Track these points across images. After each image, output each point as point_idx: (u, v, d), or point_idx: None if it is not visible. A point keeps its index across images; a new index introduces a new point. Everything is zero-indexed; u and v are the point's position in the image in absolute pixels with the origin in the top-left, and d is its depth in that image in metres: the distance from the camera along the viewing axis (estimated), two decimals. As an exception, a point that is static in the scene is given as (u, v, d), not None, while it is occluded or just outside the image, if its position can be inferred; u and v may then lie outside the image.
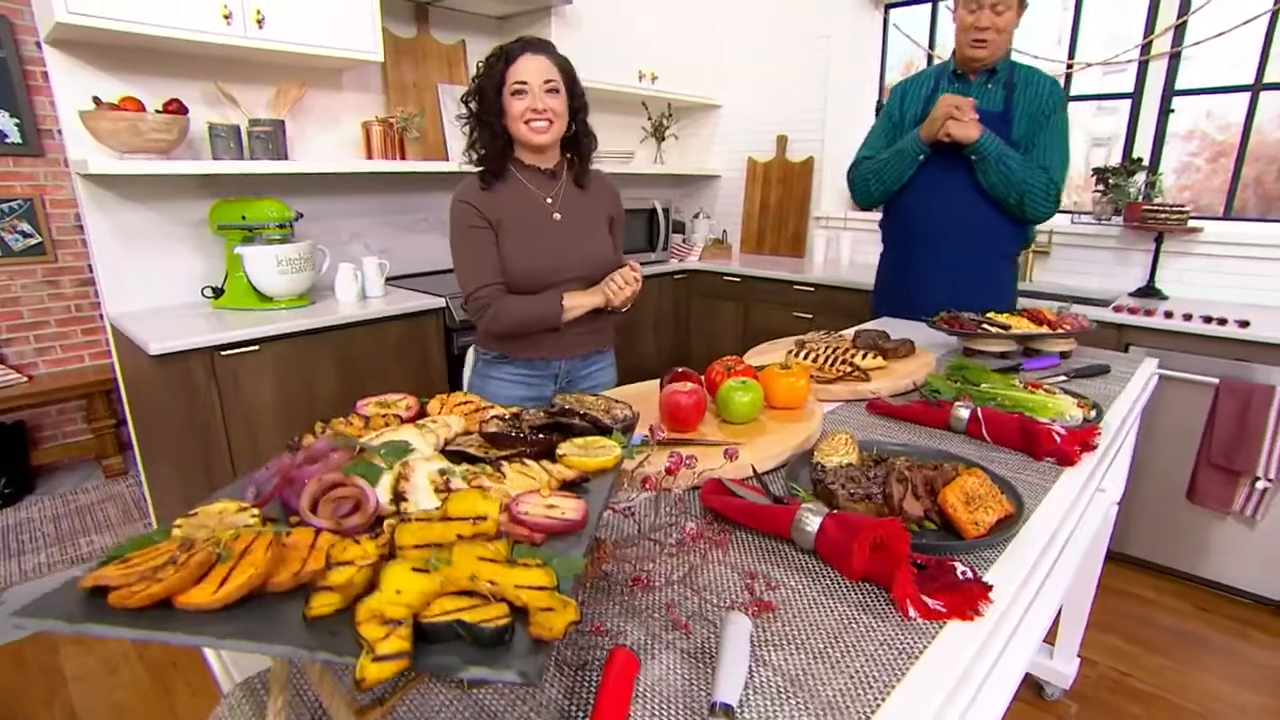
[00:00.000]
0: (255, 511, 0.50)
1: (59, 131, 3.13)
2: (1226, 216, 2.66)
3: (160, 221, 2.30)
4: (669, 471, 0.70)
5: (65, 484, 3.15)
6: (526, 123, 1.45)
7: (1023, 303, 2.44)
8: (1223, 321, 2.09)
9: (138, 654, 1.98)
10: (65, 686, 1.89)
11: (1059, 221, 2.91)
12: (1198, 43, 2.60)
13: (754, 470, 0.85)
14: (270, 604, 0.44)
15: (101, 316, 3.31)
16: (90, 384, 3.11)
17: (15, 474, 3.02)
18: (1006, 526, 0.79)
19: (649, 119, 3.72)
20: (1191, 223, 2.51)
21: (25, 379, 3.08)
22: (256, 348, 2.03)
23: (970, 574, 0.69)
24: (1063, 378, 1.37)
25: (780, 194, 3.64)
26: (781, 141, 3.61)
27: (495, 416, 0.66)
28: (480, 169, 1.51)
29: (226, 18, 2.05)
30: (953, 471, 0.86)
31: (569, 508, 0.53)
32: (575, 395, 0.74)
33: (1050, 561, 0.82)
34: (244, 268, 2.22)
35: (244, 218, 2.24)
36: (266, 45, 2.14)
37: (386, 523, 0.48)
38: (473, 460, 0.61)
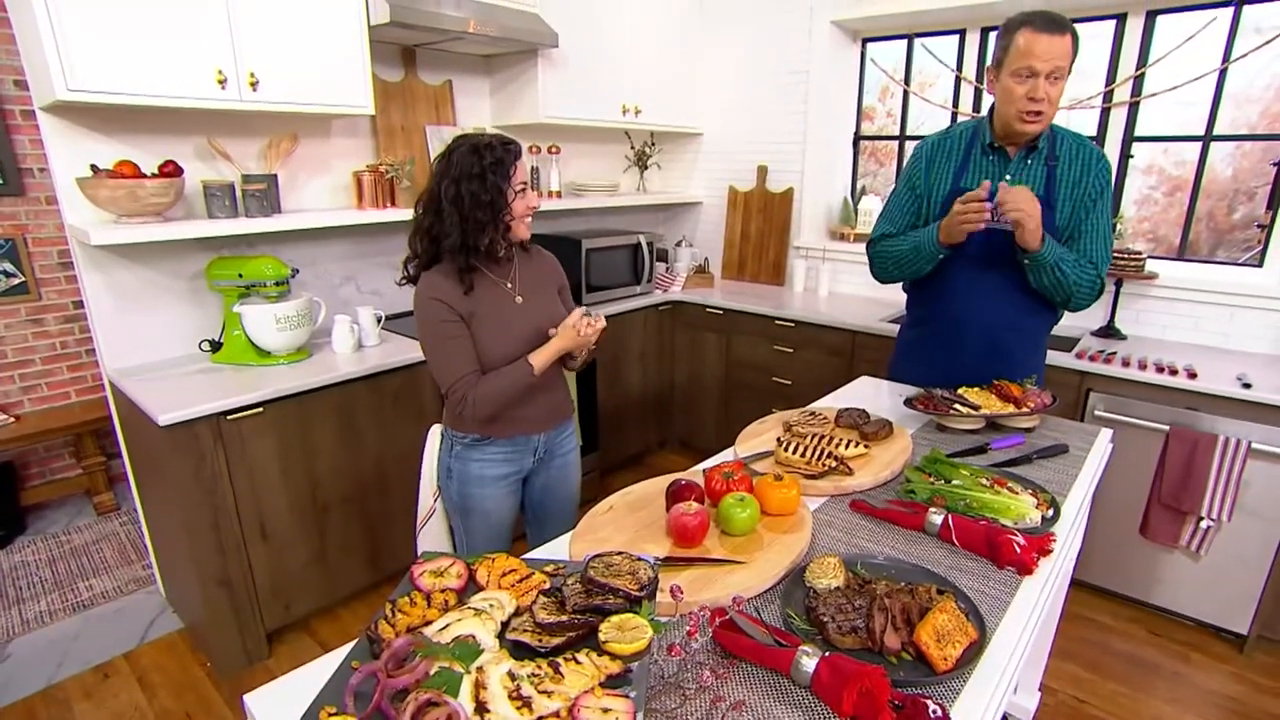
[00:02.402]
0: (364, 730, 0.60)
1: (40, 170, 3.13)
2: (1180, 255, 2.84)
3: (156, 278, 2.33)
4: (690, 634, 0.81)
5: (56, 522, 3.17)
6: (521, 219, 1.54)
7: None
8: (1173, 371, 2.26)
9: (152, 708, 2.05)
10: (82, 743, 1.96)
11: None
12: (1154, 94, 2.75)
13: (762, 619, 0.95)
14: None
15: (92, 351, 3.31)
16: (80, 424, 3.11)
17: (6, 515, 3.03)
18: (972, 654, 0.91)
19: (632, 148, 3.80)
20: (1148, 266, 2.68)
21: (12, 419, 3.08)
22: (260, 409, 2.09)
23: (940, 712, 0.81)
24: (1027, 458, 1.50)
25: (761, 223, 3.75)
26: (762, 172, 3.71)
27: (540, 592, 0.76)
28: (461, 265, 1.49)
29: (221, 83, 2.09)
30: (926, 595, 0.98)
31: (621, 710, 0.63)
32: (603, 559, 0.85)
33: (1010, 678, 0.95)
34: (243, 325, 2.27)
35: (240, 275, 2.28)
36: (260, 107, 2.18)
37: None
38: (531, 652, 0.71)
